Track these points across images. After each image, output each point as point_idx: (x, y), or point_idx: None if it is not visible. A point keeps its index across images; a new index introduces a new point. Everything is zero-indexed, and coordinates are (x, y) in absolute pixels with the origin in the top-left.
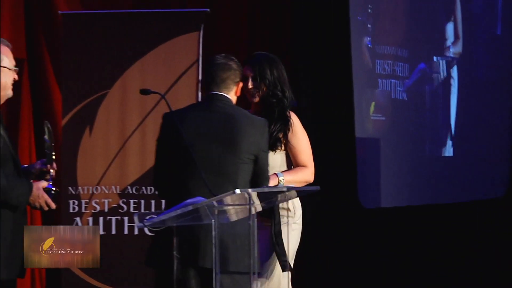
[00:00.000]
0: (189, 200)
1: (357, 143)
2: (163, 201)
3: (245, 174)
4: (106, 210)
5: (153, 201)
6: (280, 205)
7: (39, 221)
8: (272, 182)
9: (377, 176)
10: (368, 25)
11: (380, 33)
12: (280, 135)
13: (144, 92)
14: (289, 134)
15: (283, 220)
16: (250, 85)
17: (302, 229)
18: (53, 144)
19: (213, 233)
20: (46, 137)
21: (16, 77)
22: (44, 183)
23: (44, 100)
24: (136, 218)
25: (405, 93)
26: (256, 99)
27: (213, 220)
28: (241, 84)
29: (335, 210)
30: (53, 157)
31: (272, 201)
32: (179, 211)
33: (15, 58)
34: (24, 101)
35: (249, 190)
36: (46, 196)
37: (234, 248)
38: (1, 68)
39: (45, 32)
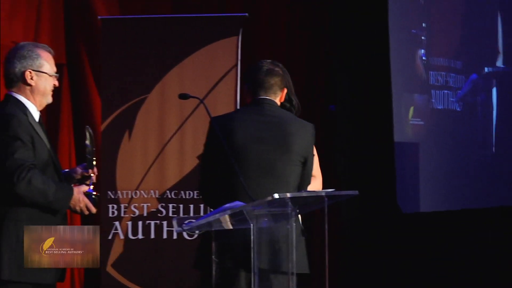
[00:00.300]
0: (227, 205)
1: (395, 148)
2: (202, 205)
3: (296, 177)
4: (145, 214)
5: (191, 206)
6: None
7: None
8: None
9: (416, 180)
10: (423, 37)
11: (434, 45)
12: None
13: (183, 96)
14: None
15: None
16: None
17: (335, 234)
18: (94, 149)
19: (252, 237)
20: (87, 142)
21: (56, 83)
22: (84, 187)
23: (84, 105)
24: (174, 223)
25: (447, 99)
26: None
27: (251, 225)
28: (285, 90)
29: (373, 215)
30: (94, 162)
31: (309, 206)
32: (217, 216)
33: (55, 64)
34: (64, 106)
35: (288, 194)
36: (86, 200)
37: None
38: (41, 73)
39: (84, 37)
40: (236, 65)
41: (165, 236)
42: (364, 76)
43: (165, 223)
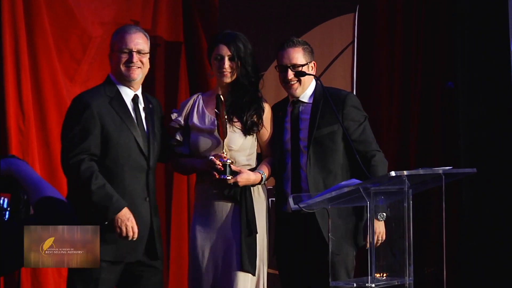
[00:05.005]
0: (343, 182)
1: None
2: None
3: None
4: None
5: None
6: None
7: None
8: (256, 178)
9: None
10: None
11: None
12: (255, 119)
13: (299, 74)
14: (263, 118)
15: (258, 205)
16: (227, 65)
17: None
18: (224, 115)
19: (368, 215)
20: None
21: (122, 58)
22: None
23: (201, 82)
24: (291, 200)
25: None
26: (229, 80)
27: (368, 202)
28: None
29: (492, 193)
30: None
31: (425, 184)
32: (333, 193)
33: (173, 42)
34: (181, 83)
35: (405, 172)
36: (133, 223)
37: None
38: (112, 52)
39: (202, 14)
40: (353, 42)
41: None
42: (483, 52)
43: None
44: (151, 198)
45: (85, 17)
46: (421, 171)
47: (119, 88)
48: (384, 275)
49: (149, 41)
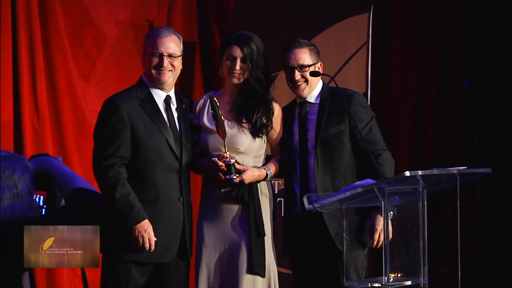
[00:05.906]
0: (358, 182)
1: None
2: None
3: None
4: (276, 191)
5: None
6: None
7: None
8: (261, 174)
9: None
10: None
11: None
12: (264, 120)
13: (314, 74)
14: (273, 119)
15: (265, 206)
16: (238, 67)
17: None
18: (220, 115)
19: (383, 214)
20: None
21: (153, 61)
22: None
23: (216, 81)
24: (305, 200)
25: None
26: (239, 81)
27: (382, 202)
28: None
29: (507, 193)
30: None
31: (440, 184)
32: (348, 193)
33: (188, 42)
34: (196, 82)
35: (419, 172)
36: (151, 235)
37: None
38: (144, 55)
39: (217, 14)
40: (368, 42)
41: None
42: (498, 51)
43: None
44: (185, 199)
45: (100, 17)
46: (435, 171)
47: (151, 90)
48: (399, 275)
49: (181, 42)
